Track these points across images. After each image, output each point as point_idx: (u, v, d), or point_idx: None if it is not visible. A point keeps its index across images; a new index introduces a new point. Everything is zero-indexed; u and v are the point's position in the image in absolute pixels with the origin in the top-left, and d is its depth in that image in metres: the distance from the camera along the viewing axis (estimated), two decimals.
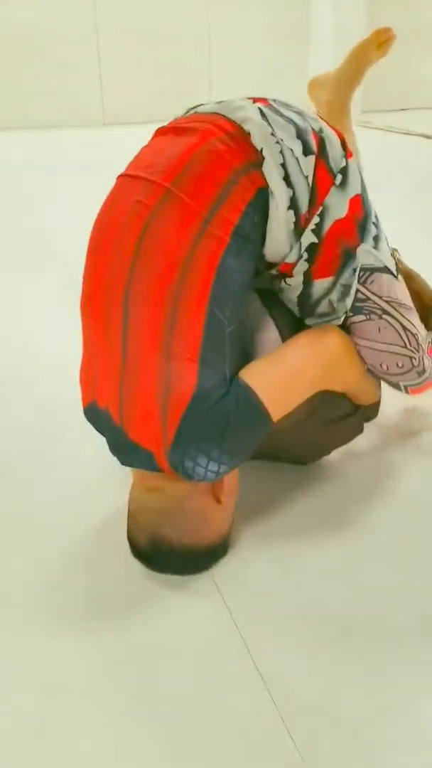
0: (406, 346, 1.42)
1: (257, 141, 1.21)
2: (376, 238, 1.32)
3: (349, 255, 1.28)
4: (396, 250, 1.60)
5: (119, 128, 7.14)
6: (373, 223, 1.32)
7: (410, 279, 1.66)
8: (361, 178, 1.32)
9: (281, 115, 1.25)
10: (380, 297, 1.35)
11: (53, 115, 7.42)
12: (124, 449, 1.26)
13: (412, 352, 1.42)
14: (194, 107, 1.37)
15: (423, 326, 1.48)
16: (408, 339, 1.41)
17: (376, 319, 1.37)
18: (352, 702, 1.03)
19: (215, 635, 1.15)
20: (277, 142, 1.21)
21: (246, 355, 1.31)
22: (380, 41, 1.83)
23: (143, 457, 1.23)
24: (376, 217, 1.34)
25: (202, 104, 1.35)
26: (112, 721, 1.01)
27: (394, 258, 1.41)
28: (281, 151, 1.21)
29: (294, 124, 1.24)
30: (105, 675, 1.08)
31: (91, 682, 1.07)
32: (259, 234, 1.23)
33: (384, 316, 1.37)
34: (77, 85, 7.47)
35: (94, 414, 1.32)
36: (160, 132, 1.34)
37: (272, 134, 1.21)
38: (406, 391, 1.49)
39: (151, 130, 1.37)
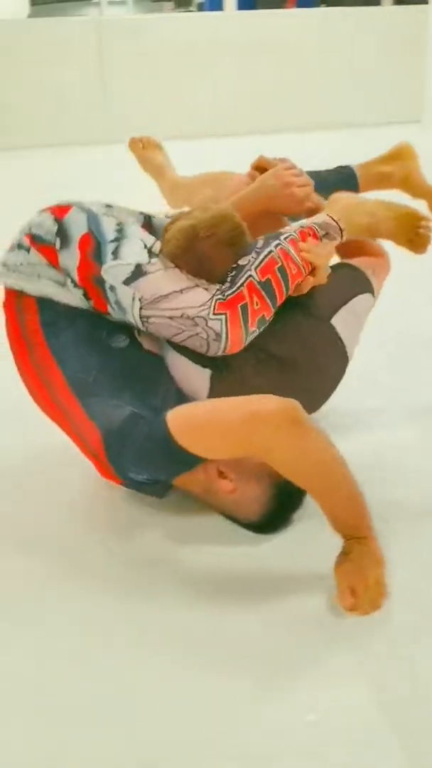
0: (183, 330, 1.54)
1: None
2: (116, 251, 1.54)
3: (100, 281, 1.54)
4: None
5: None
6: (111, 241, 1.56)
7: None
8: (88, 214, 1.60)
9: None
10: (132, 307, 1.54)
11: None
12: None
13: (191, 328, 1.54)
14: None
15: (194, 296, 1.53)
16: (180, 324, 1.54)
17: (145, 323, 1.56)
18: None
19: None
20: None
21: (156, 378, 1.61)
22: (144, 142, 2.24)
23: (131, 483, 1.56)
24: (116, 231, 1.58)
25: None
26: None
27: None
28: None
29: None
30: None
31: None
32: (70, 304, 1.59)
33: (150, 319, 1.55)
34: None
35: None
36: None
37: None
38: (225, 350, 1.56)
39: None
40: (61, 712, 1.23)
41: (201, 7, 10.70)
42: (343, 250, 1.92)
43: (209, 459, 1.46)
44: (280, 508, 1.55)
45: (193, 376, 1.65)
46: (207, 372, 1.64)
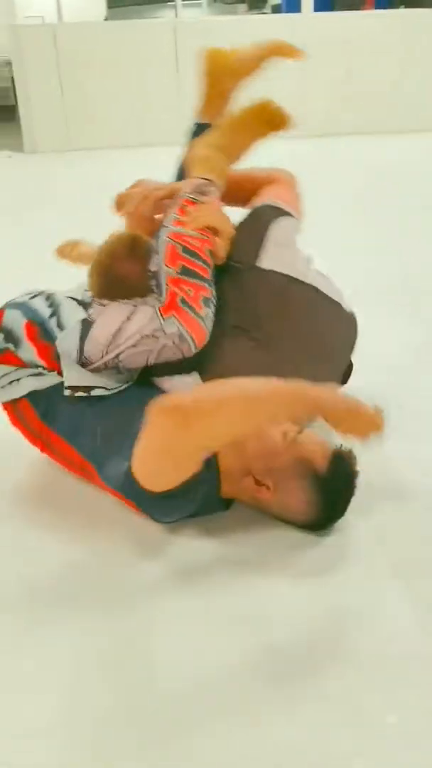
0: (152, 349, 1.61)
1: None
2: (59, 323, 1.64)
3: (57, 355, 1.63)
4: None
5: None
6: (50, 317, 1.65)
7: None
8: (20, 307, 1.68)
9: None
10: (102, 357, 1.61)
11: None
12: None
13: (156, 344, 1.61)
14: None
15: (140, 316, 1.60)
16: (145, 346, 1.61)
17: (118, 364, 1.63)
18: None
19: None
20: None
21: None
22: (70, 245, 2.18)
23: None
24: (49, 306, 1.67)
25: None
26: None
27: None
28: None
29: None
30: None
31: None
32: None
33: (120, 356, 1.61)
34: None
35: None
36: None
37: None
38: (195, 345, 1.62)
39: None
40: (60, 711, 1.22)
41: (278, 9, 10.68)
42: (237, 196, 1.94)
43: (226, 479, 1.52)
44: (328, 501, 1.54)
45: (186, 388, 1.67)
46: (194, 375, 1.68)
